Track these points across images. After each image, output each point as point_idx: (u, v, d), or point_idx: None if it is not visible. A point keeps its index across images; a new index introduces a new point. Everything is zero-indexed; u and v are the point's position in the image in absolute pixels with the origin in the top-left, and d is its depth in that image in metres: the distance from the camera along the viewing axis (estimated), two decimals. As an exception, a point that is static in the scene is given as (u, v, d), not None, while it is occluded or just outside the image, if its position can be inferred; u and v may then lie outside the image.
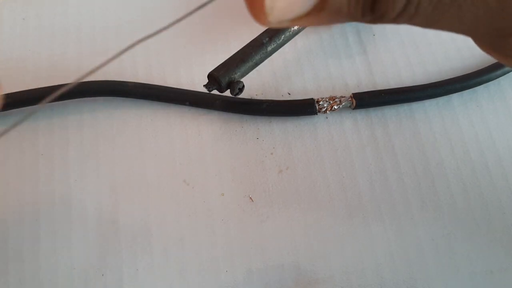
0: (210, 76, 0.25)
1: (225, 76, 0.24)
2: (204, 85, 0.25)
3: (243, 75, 0.25)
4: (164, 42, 0.30)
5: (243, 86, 0.25)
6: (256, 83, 0.29)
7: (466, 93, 0.29)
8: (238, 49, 0.25)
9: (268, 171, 0.27)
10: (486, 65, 0.29)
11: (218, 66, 0.25)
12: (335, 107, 0.27)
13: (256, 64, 0.25)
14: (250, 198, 0.26)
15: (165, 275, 0.24)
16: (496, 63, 0.29)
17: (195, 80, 0.29)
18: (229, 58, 0.25)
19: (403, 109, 0.29)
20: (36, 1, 0.32)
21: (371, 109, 0.29)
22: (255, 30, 0.27)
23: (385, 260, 0.25)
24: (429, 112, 0.29)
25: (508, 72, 0.29)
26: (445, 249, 0.25)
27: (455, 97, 0.29)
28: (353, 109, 0.28)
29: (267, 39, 0.25)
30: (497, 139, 0.28)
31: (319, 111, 0.27)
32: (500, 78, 0.29)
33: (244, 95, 0.28)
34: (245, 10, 0.15)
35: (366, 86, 0.29)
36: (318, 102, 0.27)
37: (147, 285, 0.24)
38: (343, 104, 0.27)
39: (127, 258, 0.25)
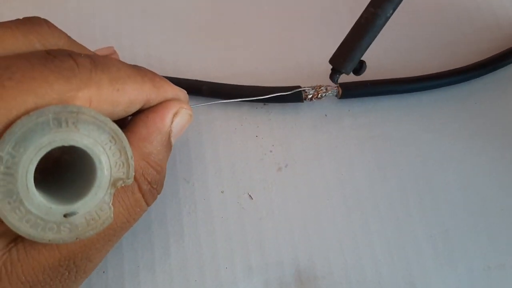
0: (335, 64, 0.24)
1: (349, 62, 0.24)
2: (330, 75, 0.24)
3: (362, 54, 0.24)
4: (167, 34, 0.31)
5: (365, 63, 0.25)
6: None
7: (463, 87, 0.29)
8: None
9: (267, 169, 0.27)
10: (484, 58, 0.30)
11: (336, 54, 0.24)
12: (322, 94, 0.28)
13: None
14: (250, 195, 0.26)
15: (166, 272, 0.25)
16: (492, 56, 0.29)
17: (194, 68, 0.29)
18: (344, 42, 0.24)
19: (400, 101, 0.29)
20: (36, 0, 0.32)
21: (368, 102, 0.29)
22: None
23: (383, 256, 0.25)
24: (427, 105, 0.29)
25: (506, 65, 0.30)
26: (443, 246, 0.25)
27: (452, 91, 0.29)
28: (339, 98, 0.28)
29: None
30: (495, 133, 0.28)
31: (305, 99, 0.27)
32: (497, 71, 0.30)
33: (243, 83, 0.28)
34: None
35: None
36: (304, 89, 0.28)
37: (148, 281, 0.24)
38: (329, 92, 0.28)
39: (128, 255, 0.25)
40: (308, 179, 0.27)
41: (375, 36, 0.23)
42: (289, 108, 0.29)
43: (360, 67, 0.25)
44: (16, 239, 0.16)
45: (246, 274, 0.25)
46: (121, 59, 0.29)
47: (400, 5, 0.32)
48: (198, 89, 0.28)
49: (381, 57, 0.30)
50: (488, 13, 0.32)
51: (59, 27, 0.31)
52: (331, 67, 0.25)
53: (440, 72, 0.29)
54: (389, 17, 0.23)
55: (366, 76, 0.29)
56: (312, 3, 0.32)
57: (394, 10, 0.22)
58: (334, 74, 0.24)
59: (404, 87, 0.29)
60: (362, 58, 0.24)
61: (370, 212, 0.26)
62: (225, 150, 0.27)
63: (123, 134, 0.17)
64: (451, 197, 0.26)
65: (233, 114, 0.28)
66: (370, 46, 0.31)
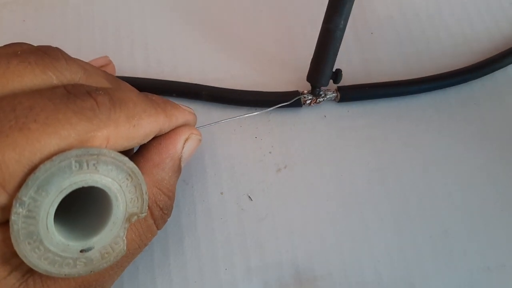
0: (311, 81, 0.27)
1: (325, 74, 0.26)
2: (311, 91, 0.27)
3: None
4: (169, 38, 0.31)
5: (341, 71, 0.26)
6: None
7: (462, 88, 0.29)
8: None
9: (266, 170, 0.27)
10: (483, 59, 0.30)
11: (309, 72, 0.26)
12: (320, 99, 0.28)
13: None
14: (249, 196, 0.26)
15: (165, 274, 0.25)
16: (491, 57, 0.30)
17: (192, 71, 0.29)
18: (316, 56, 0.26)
19: (399, 103, 0.29)
20: (36, 2, 0.32)
21: (367, 104, 0.29)
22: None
23: (382, 257, 0.25)
24: (427, 106, 0.29)
25: (505, 66, 0.30)
26: (443, 246, 0.25)
27: (451, 93, 0.29)
28: (338, 102, 0.28)
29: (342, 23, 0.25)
30: (494, 134, 0.28)
31: (303, 103, 0.28)
32: (496, 72, 0.30)
33: (242, 85, 0.28)
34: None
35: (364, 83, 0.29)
36: (303, 94, 0.28)
37: (147, 283, 0.24)
38: (328, 96, 0.28)
39: (128, 257, 0.25)
40: (307, 180, 0.27)
41: (338, 47, 0.25)
42: (288, 110, 0.29)
43: (336, 76, 0.27)
44: (32, 269, 0.16)
45: (246, 275, 0.25)
46: (120, 62, 0.30)
47: (399, 7, 0.32)
48: (197, 94, 0.28)
49: (380, 60, 0.31)
50: (487, 15, 0.32)
51: (58, 29, 0.31)
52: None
53: (439, 74, 0.29)
54: (343, 28, 0.24)
55: (365, 79, 0.29)
56: (310, 4, 0.32)
57: (345, 21, 0.24)
58: (314, 89, 0.27)
59: (403, 90, 0.29)
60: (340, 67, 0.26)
61: (369, 213, 0.26)
62: (224, 151, 0.27)
63: (139, 172, 0.18)
64: (450, 198, 0.26)
65: (232, 115, 0.28)
66: (371, 48, 0.31)
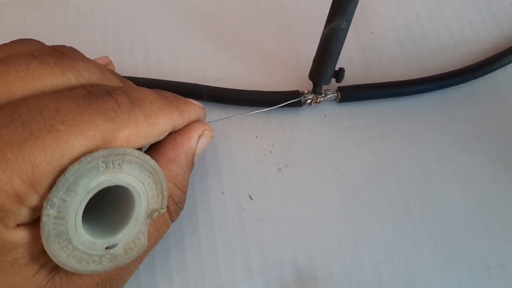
0: (312, 79, 0.27)
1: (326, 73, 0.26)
2: (312, 89, 0.27)
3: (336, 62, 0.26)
4: (168, 38, 0.31)
5: (344, 70, 0.26)
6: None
7: (462, 88, 0.29)
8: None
9: (267, 169, 0.27)
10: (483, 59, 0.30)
11: (311, 71, 0.26)
12: (320, 99, 0.28)
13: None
14: (250, 196, 0.26)
15: (166, 273, 0.25)
16: (491, 57, 0.30)
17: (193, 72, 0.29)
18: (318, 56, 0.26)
19: (399, 102, 0.29)
20: (36, 2, 0.32)
21: (367, 103, 0.29)
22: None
23: (383, 257, 0.25)
24: (427, 106, 0.29)
25: (505, 65, 0.30)
26: (443, 246, 0.25)
27: (451, 93, 0.29)
28: (338, 102, 0.28)
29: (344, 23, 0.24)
30: (494, 134, 0.28)
31: (304, 103, 0.28)
32: (496, 71, 0.30)
33: (242, 85, 0.28)
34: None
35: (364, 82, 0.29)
36: (303, 93, 0.28)
37: (148, 282, 0.24)
38: (328, 96, 0.28)
39: (128, 257, 0.25)
40: (308, 179, 0.27)
41: (340, 47, 0.25)
42: (288, 109, 0.29)
43: (338, 75, 0.26)
44: (57, 266, 0.17)
45: (246, 275, 0.25)
46: (120, 62, 0.30)
47: (399, 7, 0.32)
48: (197, 94, 0.28)
49: (380, 60, 0.31)
50: (488, 15, 0.32)
51: (58, 29, 0.31)
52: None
53: (439, 74, 0.29)
54: (346, 29, 0.24)
55: (365, 79, 0.29)
56: (311, 4, 0.32)
57: (348, 21, 0.23)
58: (315, 87, 0.27)
59: (403, 90, 0.29)
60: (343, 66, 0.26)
61: (369, 213, 0.26)
62: (225, 151, 0.27)
63: (160, 169, 0.18)
64: (451, 198, 0.27)
65: (233, 114, 0.28)
66: (371, 48, 0.31)
